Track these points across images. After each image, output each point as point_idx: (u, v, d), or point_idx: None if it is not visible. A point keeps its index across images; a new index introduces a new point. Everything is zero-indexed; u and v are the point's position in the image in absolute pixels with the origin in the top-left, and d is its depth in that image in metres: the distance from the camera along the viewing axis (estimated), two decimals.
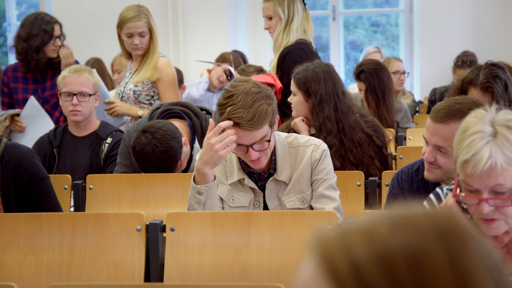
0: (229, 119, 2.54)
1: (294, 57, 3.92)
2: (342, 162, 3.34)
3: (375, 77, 4.58)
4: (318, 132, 3.34)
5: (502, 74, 3.12)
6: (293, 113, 3.46)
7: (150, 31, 4.31)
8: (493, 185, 1.85)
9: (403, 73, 5.77)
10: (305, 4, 4.15)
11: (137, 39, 4.28)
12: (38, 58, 4.41)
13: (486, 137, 1.83)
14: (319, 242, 0.79)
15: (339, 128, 3.34)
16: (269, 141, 2.60)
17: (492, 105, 1.92)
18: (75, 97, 3.75)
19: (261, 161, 2.65)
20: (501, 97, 3.07)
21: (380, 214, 0.82)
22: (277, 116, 2.67)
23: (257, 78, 3.82)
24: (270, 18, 4.10)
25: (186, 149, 3.30)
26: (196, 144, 3.44)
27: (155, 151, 3.16)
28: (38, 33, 4.40)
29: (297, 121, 3.39)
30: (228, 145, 2.55)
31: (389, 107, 4.62)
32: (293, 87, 3.40)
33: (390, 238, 0.77)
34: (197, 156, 3.31)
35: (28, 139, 4.03)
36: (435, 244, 0.77)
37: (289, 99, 3.49)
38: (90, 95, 3.79)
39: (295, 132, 3.33)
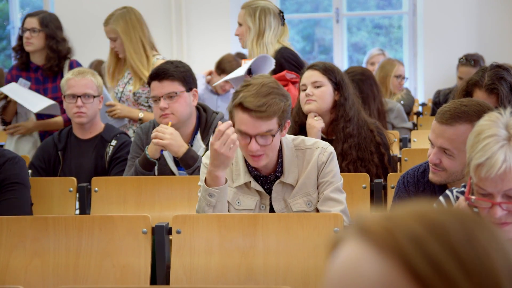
0: (240, 103, 2.57)
1: (287, 58, 4.01)
2: (355, 153, 3.36)
3: (355, 86, 4.57)
4: (336, 126, 3.38)
5: (507, 75, 3.11)
6: (312, 106, 3.43)
7: (120, 36, 4.27)
8: (507, 189, 1.84)
9: (403, 77, 5.91)
10: (283, 19, 4.16)
11: (111, 43, 4.33)
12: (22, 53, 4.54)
13: (500, 140, 1.82)
14: (386, 235, 0.76)
15: (358, 125, 3.39)
16: (273, 135, 2.60)
17: (500, 108, 1.91)
18: (79, 99, 3.76)
19: (260, 159, 2.65)
20: (506, 99, 3.06)
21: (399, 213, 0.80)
22: (288, 121, 2.68)
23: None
24: (241, 25, 4.15)
25: (193, 100, 3.46)
26: (198, 135, 3.46)
27: (178, 62, 3.51)
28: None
29: (313, 122, 3.39)
30: (231, 146, 2.57)
31: (370, 113, 4.59)
32: (318, 77, 3.41)
33: (441, 216, 0.76)
34: (200, 151, 3.35)
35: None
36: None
37: (308, 91, 3.42)
38: (94, 97, 3.79)
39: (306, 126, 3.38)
